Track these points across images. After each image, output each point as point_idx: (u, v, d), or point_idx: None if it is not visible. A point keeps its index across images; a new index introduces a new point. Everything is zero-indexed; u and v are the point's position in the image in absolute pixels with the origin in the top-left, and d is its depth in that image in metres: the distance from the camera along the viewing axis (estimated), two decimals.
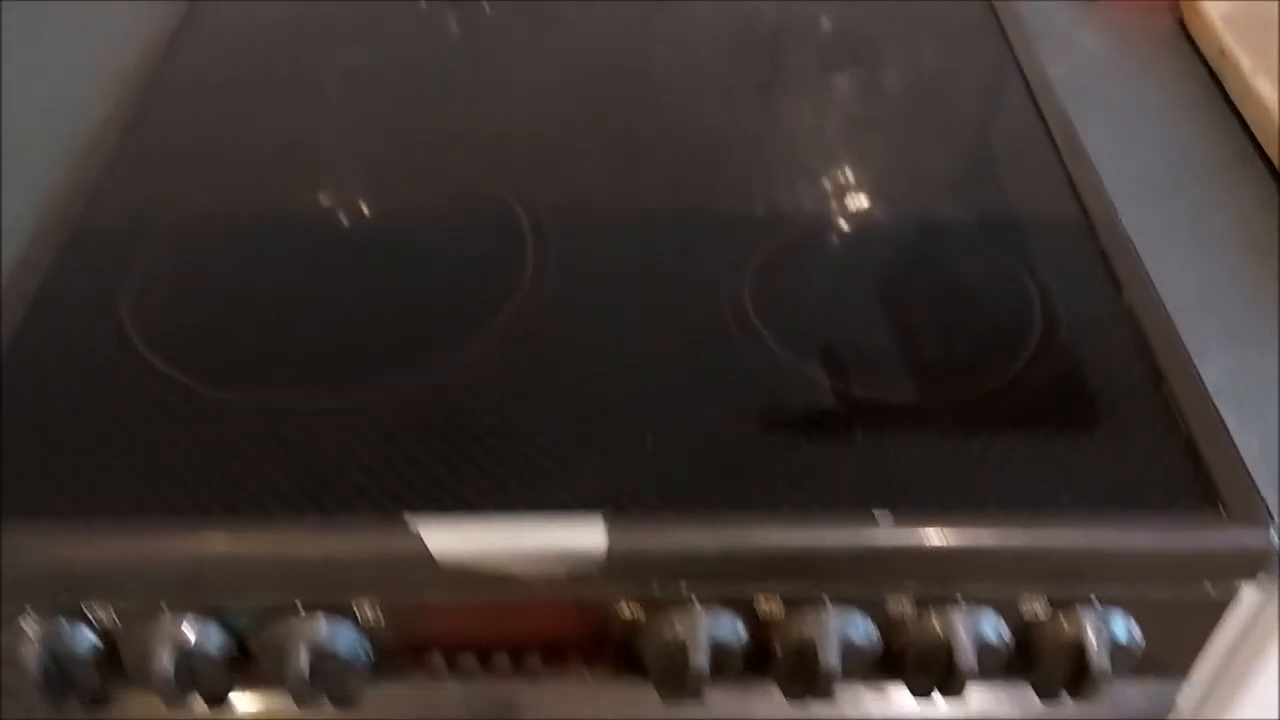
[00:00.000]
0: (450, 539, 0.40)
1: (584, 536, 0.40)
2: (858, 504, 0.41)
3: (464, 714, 0.46)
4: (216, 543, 0.40)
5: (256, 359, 0.48)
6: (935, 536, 0.41)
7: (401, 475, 0.42)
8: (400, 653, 0.44)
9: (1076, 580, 0.42)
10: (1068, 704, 0.46)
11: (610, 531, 0.40)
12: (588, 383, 0.47)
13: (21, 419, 0.44)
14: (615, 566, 0.40)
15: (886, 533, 0.41)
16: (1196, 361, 0.46)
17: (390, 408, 0.45)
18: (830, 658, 0.42)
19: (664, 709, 0.45)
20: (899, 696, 0.46)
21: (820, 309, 0.51)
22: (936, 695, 0.45)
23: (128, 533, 0.40)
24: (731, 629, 0.43)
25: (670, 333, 0.49)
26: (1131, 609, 0.43)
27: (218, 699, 0.44)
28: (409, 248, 0.54)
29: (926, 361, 0.48)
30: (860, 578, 0.42)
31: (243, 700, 0.45)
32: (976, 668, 0.42)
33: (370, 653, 0.43)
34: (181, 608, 0.41)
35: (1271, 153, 0.59)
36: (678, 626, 0.42)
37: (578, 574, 0.41)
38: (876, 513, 0.41)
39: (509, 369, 0.47)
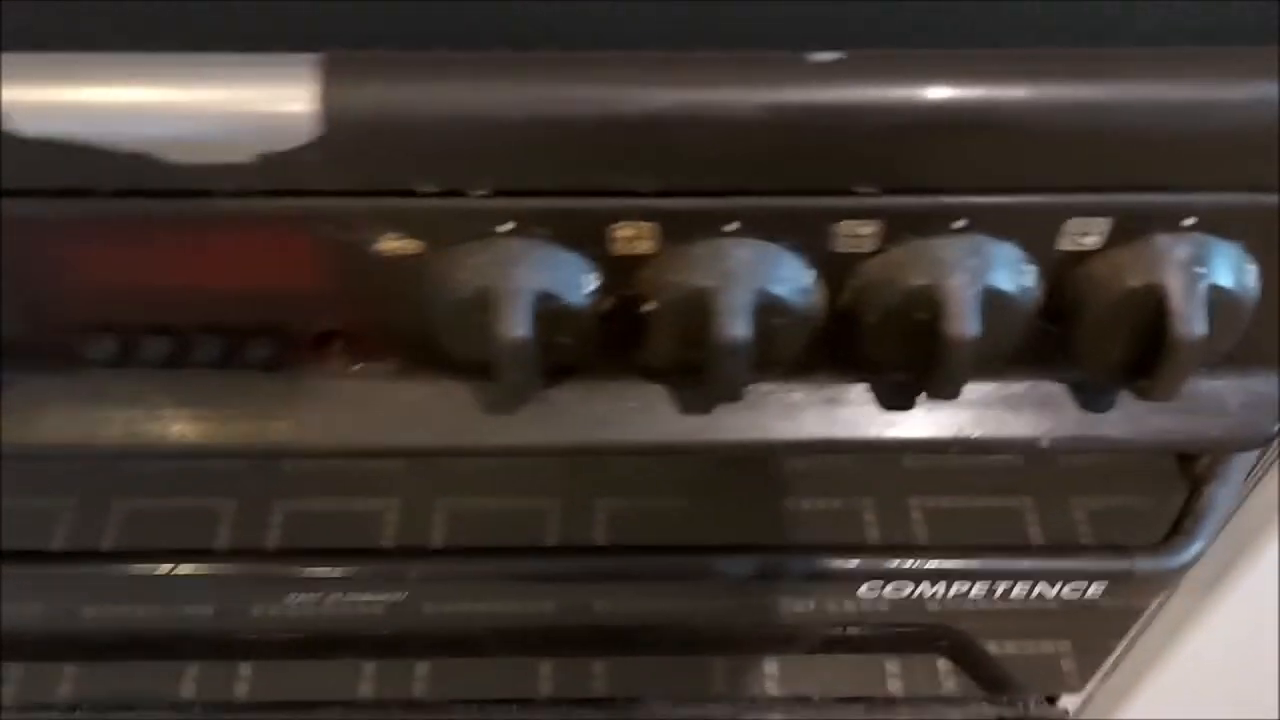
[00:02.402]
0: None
1: (283, 91, 0.23)
2: (782, 43, 0.23)
3: (163, 440, 0.29)
4: None
5: None
6: (910, 94, 0.23)
7: None
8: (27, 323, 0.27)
9: (1157, 182, 0.24)
10: (1129, 409, 0.29)
11: (326, 81, 0.23)
12: None
13: None
14: (339, 148, 0.23)
15: (831, 90, 0.23)
16: None
17: None
18: (734, 326, 0.24)
19: (480, 420, 0.29)
20: (854, 407, 0.29)
21: None
22: (920, 400, 0.29)
23: None
24: (572, 275, 0.25)
25: None
26: (1246, 236, 0.25)
27: None
28: None
29: None
30: (782, 177, 0.24)
31: None
32: (979, 337, 0.25)
33: None
34: None
35: None
36: (479, 267, 0.25)
37: (275, 164, 0.23)
38: (811, 56, 0.23)
39: None
